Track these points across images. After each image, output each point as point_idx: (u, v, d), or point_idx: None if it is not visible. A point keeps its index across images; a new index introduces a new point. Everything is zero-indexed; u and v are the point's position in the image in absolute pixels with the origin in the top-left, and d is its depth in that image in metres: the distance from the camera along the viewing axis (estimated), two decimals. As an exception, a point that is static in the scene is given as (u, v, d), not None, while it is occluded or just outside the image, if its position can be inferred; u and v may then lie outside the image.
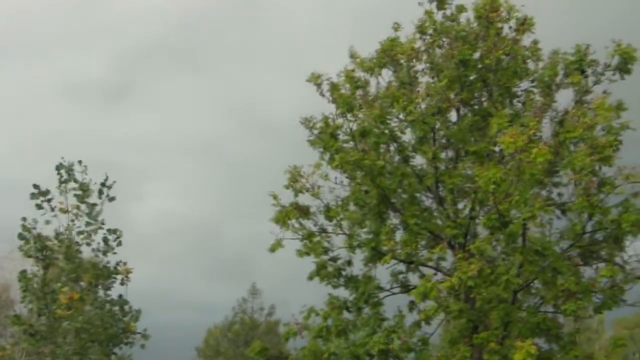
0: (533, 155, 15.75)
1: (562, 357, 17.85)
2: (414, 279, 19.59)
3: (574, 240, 17.55)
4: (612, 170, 17.01)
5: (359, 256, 19.27)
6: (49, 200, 17.60)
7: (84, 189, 17.67)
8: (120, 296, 17.72)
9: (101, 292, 17.69)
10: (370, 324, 18.63)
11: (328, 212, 19.46)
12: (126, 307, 17.64)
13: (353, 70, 19.76)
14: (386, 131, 18.80)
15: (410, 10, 19.63)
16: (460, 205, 19.10)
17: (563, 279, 17.02)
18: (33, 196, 17.48)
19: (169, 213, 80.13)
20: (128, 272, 17.77)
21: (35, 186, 17.55)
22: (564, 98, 18.58)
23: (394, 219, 19.16)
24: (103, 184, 17.77)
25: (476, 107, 19.41)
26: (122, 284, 17.80)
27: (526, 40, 19.17)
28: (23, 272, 17.37)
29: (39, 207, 17.46)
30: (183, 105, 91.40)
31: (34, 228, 17.30)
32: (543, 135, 17.65)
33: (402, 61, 19.42)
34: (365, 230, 19.20)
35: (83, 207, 17.69)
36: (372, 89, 19.73)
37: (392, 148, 19.34)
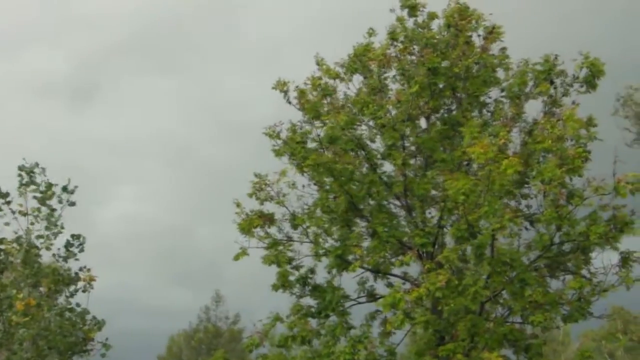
0: (503, 167, 15.83)
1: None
2: (380, 288, 19.65)
3: (542, 251, 17.63)
4: (581, 181, 17.15)
5: (325, 265, 19.22)
6: (8, 203, 17.34)
7: (44, 192, 17.43)
8: (78, 305, 17.49)
9: (63, 299, 17.44)
10: (336, 333, 18.59)
11: (294, 220, 19.40)
12: (88, 317, 17.40)
13: (320, 78, 19.82)
14: (355, 137, 18.83)
15: (383, 17, 19.82)
16: (429, 214, 19.16)
17: (531, 290, 17.09)
18: (-8, 197, 17.22)
19: (136, 218, 79.52)
20: (91, 279, 17.53)
21: (-5, 187, 17.29)
22: (533, 108, 18.83)
23: (361, 227, 19.20)
24: (64, 188, 17.54)
25: (445, 115, 19.55)
26: (84, 291, 17.57)
27: (495, 49, 19.45)
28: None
29: (-2, 208, 17.21)
30: (155, 106, 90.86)
31: (-8, 230, 17.03)
32: (512, 145, 17.83)
33: (373, 67, 19.50)
34: (332, 238, 19.18)
35: (44, 210, 17.45)
36: (340, 96, 19.84)
37: (360, 155, 19.36)
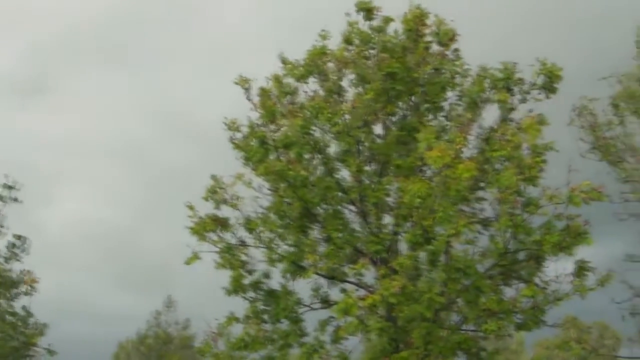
0: (459, 171, 15.91)
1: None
2: (335, 294, 19.61)
3: (496, 259, 17.77)
4: (536, 190, 17.34)
5: (279, 270, 19.11)
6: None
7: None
8: (24, 307, 17.18)
9: (3, 302, 17.10)
10: (289, 339, 18.53)
11: (248, 224, 19.30)
12: (30, 320, 17.09)
13: (282, 76, 19.78)
14: (311, 142, 18.80)
15: (341, 19, 19.80)
16: (384, 221, 19.18)
17: (485, 298, 17.23)
18: None
19: (85, 218, 77.90)
20: (33, 281, 17.21)
21: None
22: (490, 114, 18.96)
23: (316, 233, 19.15)
24: (6, 186, 17.21)
25: (401, 120, 19.59)
26: (26, 294, 17.24)
27: (454, 54, 19.54)
28: None
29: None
30: (104, 104, 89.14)
31: None
32: (469, 151, 17.98)
33: (330, 70, 19.52)
34: (286, 243, 19.10)
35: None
36: (300, 97, 19.79)
37: (316, 160, 19.33)
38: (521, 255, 18.08)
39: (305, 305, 19.48)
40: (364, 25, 19.80)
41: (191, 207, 19.30)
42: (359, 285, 19.06)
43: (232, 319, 18.86)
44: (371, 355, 18.39)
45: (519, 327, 17.89)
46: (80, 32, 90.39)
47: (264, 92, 19.54)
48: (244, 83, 19.72)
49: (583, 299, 17.57)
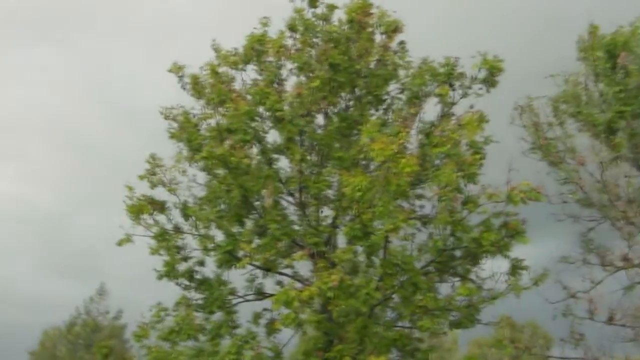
0: (400, 166, 15.99)
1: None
2: (270, 286, 19.60)
3: (434, 256, 17.94)
4: (476, 188, 17.54)
5: (214, 258, 18.96)
6: None
7: None
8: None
9: None
10: (221, 330, 18.44)
11: (185, 210, 19.13)
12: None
13: (218, 65, 19.61)
14: (250, 130, 18.72)
15: (284, 6, 19.71)
16: (323, 213, 19.23)
17: (421, 295, 17.37)
18: None
19: (15, 199, 76.00)
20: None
21: None
22: (431, 108, 19.12)
23: (253, 223, 19.07)
24: None
25: (343, 112, 19.62)
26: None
27: (399, 46, 19.64)
28: None
29: None
30: (35, 80, 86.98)
31: None
32: (410, 146, 18.07)
33: (269, 58, 19.43)
34: (222, 231, 18.96)
35: None
36: (238, 85, 19.65)
37: (256, 148, 19.28)
38: (459, 253, 18.27)
39: (239, 296, 19.44)
40: (308, 13, 19.81)
41: (130, 188, 19.06)
42: (295, 278, 19.08)
43: (161, 309, 18.66)
44: (305, 349, 18.40)
45: (454, 325, 18.07)
46: (13, 7, 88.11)
47: (196, 80, 19.38)
48: (177, 70, 19.57)
49: (518, 297, 17.79)
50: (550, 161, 22.78)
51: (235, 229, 18.79)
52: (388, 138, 16.18)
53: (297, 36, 19.58)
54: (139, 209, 18.86)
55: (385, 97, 19.89)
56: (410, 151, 17.74)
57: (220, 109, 18.92)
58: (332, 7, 19.75)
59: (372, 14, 19.33)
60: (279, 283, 19.35)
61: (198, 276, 19.28)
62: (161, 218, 19.29)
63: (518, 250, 18.02)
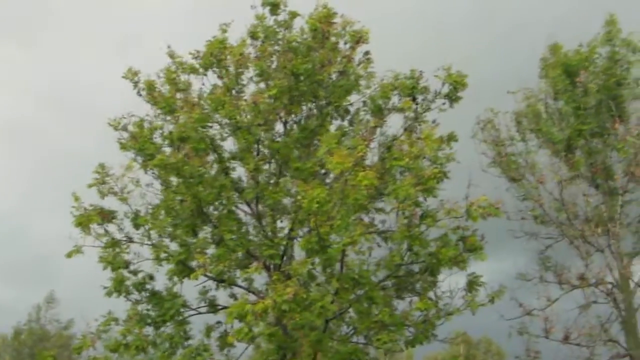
0: (358, 179, 15.93)
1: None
2: (223, 298, 19.38)
3: (391, 270, 17.88)
4: (435, 202, 17.58)
5: (165, 270, 18.68)
6: None
7: None
8: None
9: None
10: (173, 343, 18.19)
11: (136, 219, 18.86)
12: None
13: (175, 72, 19.43)
14: (206, 138, 18.52)
15: (246, 12, 19.60)
16: (279, 224, 19.08)
17: (377, 310, 17.31)
18: None
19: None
20: None
21: None
22: (394, 121, 19.07)
23: (207, 233, 18.83)
24: None
25: (303, 122, 19.52)
26: None
27: (364, 57, 19.61)
28: None
29: None
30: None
31: None
32: (370, 158, 18.06)
33: (229, 65, 19.30)
34: (175, 242, 18.70)
35: None
36: (194, 92, 19.48)
37: (211, 156, 19.05)
38: (416, 268, 18.23)
39: (192, 309, 19.17)
40: (270, 20, 19.73)
41: (76, 198, 18.72)
42: (249, 290, 18.91)
43: (110, 319, 18.36)
44: (258, 362, 18.27)
45: (410, 340, 17.96)
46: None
47: (150, 86, 19.20)
48: (132, 76, 19.38)
49: (473, 314, 17.83)
50: (510, 177, 23.00)
51: (189, 239, 18.55)
52: (346, 151, 16.14)
53: (258, 43, 19.49)
54: (87, 219, 18.54)
55: (348, 108, 19.87)
56: (370, 164, 17.75)
57: (170, 117, 18.76)
58: (294, 15, 19.67)
59: (335, 23, 19.29)
60: (233, 295, 19.15)
61: (149, 287, 18.99)
62: (112, 228, 18.97)
63: (475, 266, 18.11)
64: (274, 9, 19.68)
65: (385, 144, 18.84)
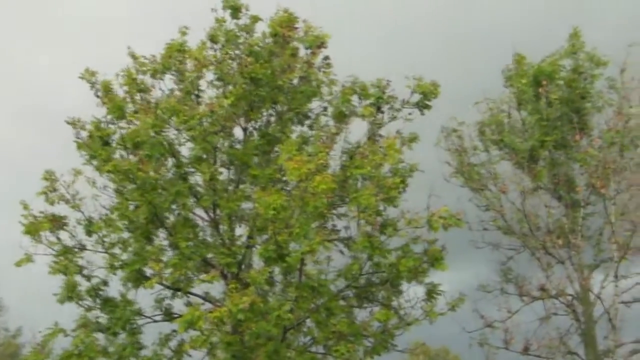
0: (316, 183, 15.80)
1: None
2: (179, 306, 19.11)
3: (351, 280, 17.78)
4: (396, 211, 17.56)
5: (119, 277, 18.45)
6: None
7: None
8: None
9: None
10: (125, 352, 17.93)
11: (89, 226, 18.56)
12: None
13: (135, 73, 19.19)
14: (163, 142, 18.29)
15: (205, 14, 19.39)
16: (237, 232, 18.87)
17: (336, 320, 17.24)
18: None
19: None
20: None
21: None
22: (358, 128, 19.01)
23: (163, 240, 18.62)
24: None
25: (263, 128, 19.36)
26: None
27: (324, 62, 19.52)
28: None
29: None
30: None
31: None
32: (331, 165, 17.89)
33: (188, 69, 19.09)
34: (129, 249, 18.45)
35: None
36: (154, 94, 19.25)
37: (168, 162, 18.80)
38: (377, 278, 18.21)
39: (147, 317, 18.93)
40: (231, 24, 19.53)
41: (25, 206, 18.44)
42: (206, 299, 18.70)
43: (57, 330, 18.03)
44: (213, 372, 18.06)
45: (369, 351, 17.90)
46: None
47: (106, 87, 18.94)
48: (90, 76, 19.13)
49: (431, 323, 17.86)
50: (473, 187, 23.08)
51: (143, 246, 18.29)
52: (306, 157, 16.07)
53: (218, 47, 19.29)
54: (37, 227, 18.21)
55: (309, 114, 19.79)
56: (331, 171, 17.69)
57: (123, 122, 18.54)
58: (255, 19, 19.50)
59: (297, 28, 19.19)
60: (189, 304, 18.90)
61: (102, 293, 18.72)
62: (63, 235, 18.66)
63: (437, 277, 18.13)
64: (235, 12, 19.47)
65: (348, 151, 18.78)
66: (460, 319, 20.27)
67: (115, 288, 18.75)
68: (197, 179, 18.94)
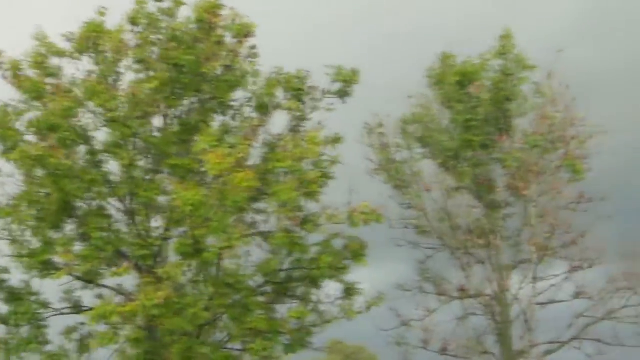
0: (237, 180, 15.59)
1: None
2: (89, 299, 18.61)
3: (269, 276, 17.66)
4: (318, 206, 17.43)
5: (25, 266, 17.73)
6: None
7: None
8: None
9: None
10: (28, 346, 17.37)
11: (-7, 213, 17.86)
12: None
13: (44, 55, 18.48)
14: (77, 128, 17.70)
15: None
16: (153, 223, 18.43)
17: (253, 317, 17.05)
18: None
19: None
20: None
21: None
22: (280, 120, 18.86)
23: (73, 230, 18.05)
24: None
25: (184, 117, 18.91)
26: None
27: (250, 52, 19.20)
28: None
29: None
30: None
31: None
32: (253, 158, 17.77)
33: (107, 52, 18.51)
34: (38, 238, 17.81)
35: None
36: (66, 77, 18.56)
37: (81, 148, 18.17)
38: (297, 274, 18.11)
39: (54, 309, 18.41)
40: (152, 7, 18.99)
41: None
42: (118, 291, 18.23)
43: None
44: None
45: (286, 348, 17.78)
46: None
47: (15, 67, 18.24)
48: None
49: (349, 321, 18.00)
50: (395, 185, 23.13)
51: (53, 235, 17.69)
52: (225, 150, 15.80)
53: (139, 30, 18.72)
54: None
55: (233, 104, 19.44)
56: (252, 164, 17.45)
57: (39, 104, 17.85)
58: (178, 3, 18.94)
59: (222, 15, 18.79)
60: (100, 296, 18.39)
61: (4, 285, 18.06)
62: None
63: (356, 274, 18.17)
64: (158, -5, 18.98)
65: (270, 143, 18.57)
66: (378, 318, 20.37)
67: (19, 278, 18.18)
68: (111, 167, 18.38)
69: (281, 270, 17.82)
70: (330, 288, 18.12)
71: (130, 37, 18.57)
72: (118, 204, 18.50)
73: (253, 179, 15.82)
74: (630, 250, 22.09)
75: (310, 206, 17.45)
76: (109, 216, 18.30)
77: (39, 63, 18.25)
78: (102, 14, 18.58)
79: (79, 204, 18.01)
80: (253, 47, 19.26)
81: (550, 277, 22.09)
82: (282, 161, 16.88)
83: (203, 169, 17.76)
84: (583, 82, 22.39)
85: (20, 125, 17.99)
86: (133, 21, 18.67)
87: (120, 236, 18.03)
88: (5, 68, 18.33)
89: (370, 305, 18.32)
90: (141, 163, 18.45)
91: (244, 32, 18.77)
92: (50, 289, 18.21)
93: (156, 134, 18.62)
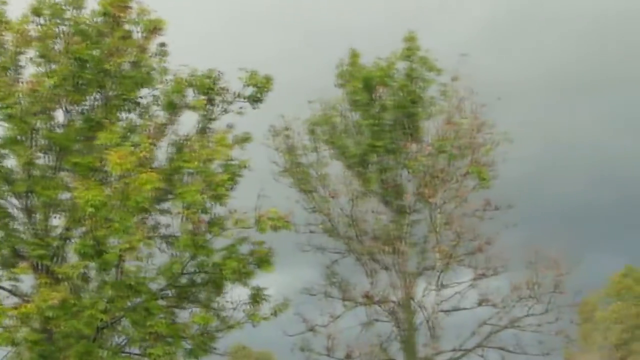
0: (141, 181, 15.42)
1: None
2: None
3: (170, 279, 17.48)
4: (224, 210, 17.37)
5: None
6: None
7: None
8: None
9: None
10: None
11: None
12: None
13: None
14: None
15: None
16: (52, 222, 17.98)
17: (154, 320, 16.84)
18: None
19: None
20: None
21: None
22: (189, 120, 18.69)
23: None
24: None
25: (87, 113, 18.50)
26: None
27: (158, 49, 18.97)
28: None
29: None
30: None
31: None
32: (158, 157, 17.55)
33: (7, 43, 17.97)
34: None
35: None
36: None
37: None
38: (200, 278, 17.98)
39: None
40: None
41: None
42: (13, 292, 17.73)
43: None
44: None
45: (188, 353, 17.66)
46: None
47: None
48: None
49: (255, 327, 17.97)
50: (301, 188, 23.18)
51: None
52: (128, 149, 15.57)
53: (42, 22, 18.28)
54: None
55: (140, 101, 19.15)
56: (158, 164, 17.24)
57: None
58: (84, -5, 18.63)
59: (129, 8, 18.49)
60: (-6, 298, 17.86)
61: None
62: None
63: (263, 279, 18.17)
64: (63, -15, 18.54)
65: (177, 143, 18.37)
66: (284, 322, 20.37)
67: None
68: (10, 162, 17.86)
69: (183, 274, 17.60)
70: (235, 293, 18.05)
71: (32, 29, 18.12)
72: (16, 201, 18.00)
73: (157, 179, 15.63)
74: (533, 258, 22.66)
75: (218, 209, 17.37)
76: (6, 214, 17.77)
77: None
78: (3, 2, 18.07)
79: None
80: (162, 45, 19.06)
81: (455, 284, 22.47)
82: (189, 162, 16.78)
83: (105, 168, 17.51)
84: (490, 91, 22.97)
85: None
86: (36, 12, 18.19)
87: (18, 235, 17.55)
88: None
89: (276, 311, 18.29)
90: (42, 159, 18.01)
91: (152, 28, 18.53)
92: None
93: (59, 130, 18.22)
